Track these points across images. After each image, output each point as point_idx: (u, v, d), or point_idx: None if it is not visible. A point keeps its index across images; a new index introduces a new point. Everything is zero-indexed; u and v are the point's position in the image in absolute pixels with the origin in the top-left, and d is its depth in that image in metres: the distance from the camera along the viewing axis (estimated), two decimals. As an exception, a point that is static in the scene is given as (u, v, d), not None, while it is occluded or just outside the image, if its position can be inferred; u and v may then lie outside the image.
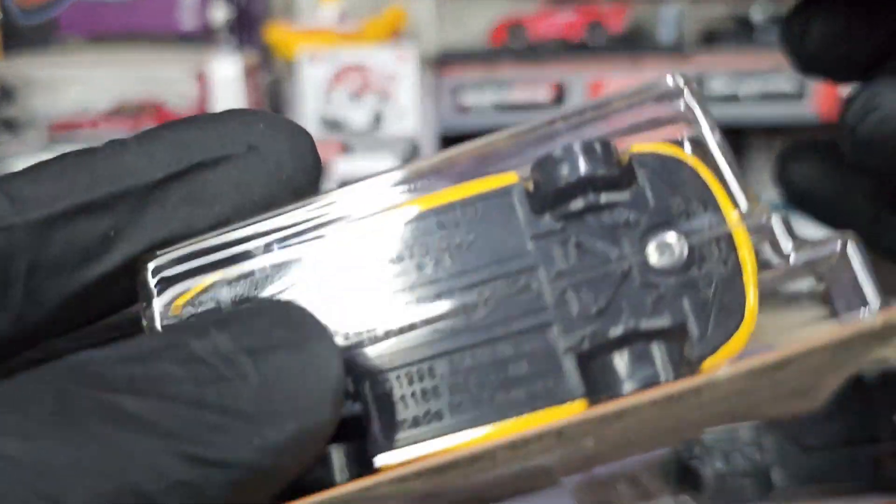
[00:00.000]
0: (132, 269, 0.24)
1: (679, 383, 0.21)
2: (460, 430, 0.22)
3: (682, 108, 0.23)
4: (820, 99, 1.18)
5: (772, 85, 1.19)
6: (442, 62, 1.27)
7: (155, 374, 0.20)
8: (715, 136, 0.23)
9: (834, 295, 0.22)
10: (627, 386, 0.21)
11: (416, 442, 0.22)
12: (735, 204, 0.22)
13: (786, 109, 1.19)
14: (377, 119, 1.24)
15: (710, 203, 0.22)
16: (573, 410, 0.22)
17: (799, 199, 0.38)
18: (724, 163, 0.23)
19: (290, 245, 0.23)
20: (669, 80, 0.23)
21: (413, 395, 0.22)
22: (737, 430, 0.55)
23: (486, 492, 0.28)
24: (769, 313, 0.22)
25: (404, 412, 0.22)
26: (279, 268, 0.23)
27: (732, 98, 1.19)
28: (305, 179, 0.24)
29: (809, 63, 0.37)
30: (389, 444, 0.22)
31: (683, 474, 0.55)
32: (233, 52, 1.24)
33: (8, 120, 1.29)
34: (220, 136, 0.24)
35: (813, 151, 0.38)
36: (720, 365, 0.21)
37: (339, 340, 0.22)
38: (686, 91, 0.23)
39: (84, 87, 1.27)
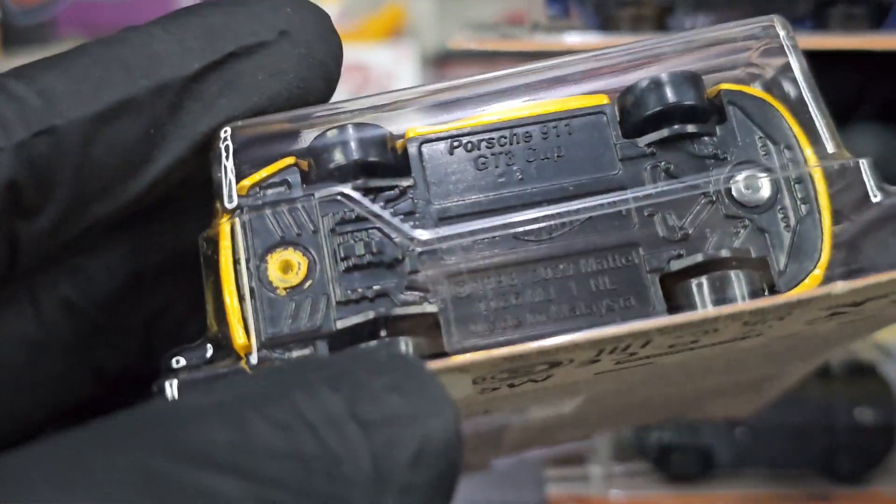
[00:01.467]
0: (176, 173, 0.22)
1: (801, 293, 0.21)
2: (536, 339, 0.21)
3: (763, 52, 0.24)
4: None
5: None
6: (442, 60, 1.27)
7: (256, 445, 0.16)
8: (808, 82, 0.23)
9: (881, 244, 0.23)
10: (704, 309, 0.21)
11: (490, 347, 0.21)
12: (821, 148, 0.23)
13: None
14: (377, 118, 1.24)
15: (793, 145, 0.23)
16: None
17: None
18: (815, 107, 0.23)
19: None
20: (768, 22, 0.24)
21: (492, 300, 0.22)
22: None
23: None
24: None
25: (481, 316, 0.22)
26: (355, 157, 0.23)
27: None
28: (334, 63, 0.23)
29: None
30: (463, 347, 0.21)
31: (631, 440, 0.55)
32: (232, 50, 1.23)
33: (7, 119, 1.28)
34: (250, 22, 0.22)
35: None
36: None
37: (422, 236, 0.22)
38: (784, 34, 0.24)
39: (83, 86, 1.26)
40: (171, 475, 0.16)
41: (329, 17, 0.24)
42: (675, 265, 0.22)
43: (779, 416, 0.54)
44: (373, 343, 0.21)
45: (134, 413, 0.18)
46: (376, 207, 0.22)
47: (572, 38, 0.41)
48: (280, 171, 0.23)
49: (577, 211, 0.22)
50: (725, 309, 0.21)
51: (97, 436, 0.17)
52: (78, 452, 0.16)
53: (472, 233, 0.22)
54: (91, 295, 0.24)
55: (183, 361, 0.22)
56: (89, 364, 0.25)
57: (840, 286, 0.21)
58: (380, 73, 1.28)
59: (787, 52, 0.24)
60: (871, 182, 0.23)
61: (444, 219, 0.22)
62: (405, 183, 0.23)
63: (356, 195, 0.22)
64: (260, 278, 0.22)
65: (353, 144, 0.22)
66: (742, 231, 0.22)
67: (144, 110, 0.22)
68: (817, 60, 0.38)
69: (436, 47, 1.25)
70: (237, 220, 0.22)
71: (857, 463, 0.55)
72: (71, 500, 0.15)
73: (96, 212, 0.22)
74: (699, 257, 0.22)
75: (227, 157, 0.22)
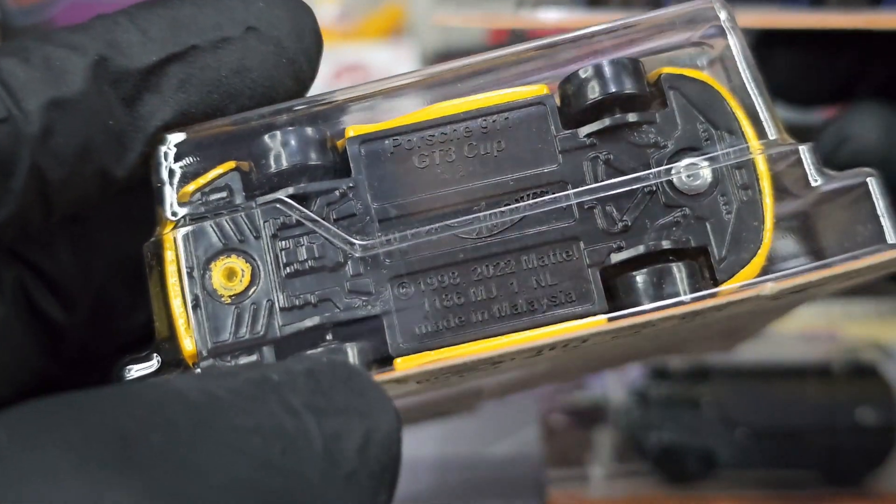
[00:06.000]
0: (132, 167, 0.22)
1: (727, 295, 0.21)
2: (480, 338, 0.22)
3: (706, 34, 0.24)
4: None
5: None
6: (442, 59, 1.27)
7: (223, 420, 0.18)
8: (748, 65, 0.23)
9: (827, 229, 0.23)
10: (646, 303, 0.22)
11: (435, 348, 0.22)
12: (762, 132, 0.23)
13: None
14: (376, 117, 1.24)
15: (735, 130, 0.22)
16: (594, 325, 0.22)
17: (777, 89, 0.38)
18: (755, 91, 0.23)
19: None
20: (708, 4, 0.23)
21: (435, 301, 0.22)
22: (693, 403, 0.55)
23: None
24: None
25: (425, 318, 0.22)
26: (296, 161, 0.22)
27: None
28: (307, 62, 0.23)
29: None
30: (407, 349, 0.22)
31: (632, 440, 0.55)
32: (231, 50, 1.23)
33: (5, 119, 1.28)
34: (217, 16, 0.22)
35: (789, 42, 0.38)
36: (733, 289, 0.22)
37: (362, 241, 0.22)
38: (724, 16, 0.23)
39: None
40: (146, 440, 0.17)
41: (308, 13, 0.23)
42: (615, 258, 0.22)
43: (779, 417, 0.54)
44: (317, 351, 0.22)
45: (105, 388, 0.18)
46: (314, 215, 0.22)
47: (556, 15, 0.40)
48: (221, 175, 0.23)
49: (517, 210, 0.22)
50: (658, 313, 0.21)
51: (71, 402, 0.17)
52: (50, 415, 0.17)
53: (413, 235, 0.22)
54: (41, 286, 0.24)
55: (133, 371, 0.22)
56: (45, 346, 0.25)
57: (769, 287, 0.22)
58: (379, 72, 1.28)
59: (728, 34, 0.23)
60: (812, 168, 0.23)
61: (385, 220, 0.22)
62: (345, 185, 0.22)
63: (294, 203, 0.22)
64: (205, 287, 0.22)
65: (290, 148, 0.22)
66: (682, 220, 0.22)
67: (102, 100, 0.22)
68: (815, 39, 0.38)
69: (435, 46, 1.25)
70: (180, 230, 0.22)
71: (858, 464, 0.55)
72: (42, 460, 0.16)
73: (54, 204, 0.22)
74: (640, 249, 0.22)
75: (167, 164, 0.22)
